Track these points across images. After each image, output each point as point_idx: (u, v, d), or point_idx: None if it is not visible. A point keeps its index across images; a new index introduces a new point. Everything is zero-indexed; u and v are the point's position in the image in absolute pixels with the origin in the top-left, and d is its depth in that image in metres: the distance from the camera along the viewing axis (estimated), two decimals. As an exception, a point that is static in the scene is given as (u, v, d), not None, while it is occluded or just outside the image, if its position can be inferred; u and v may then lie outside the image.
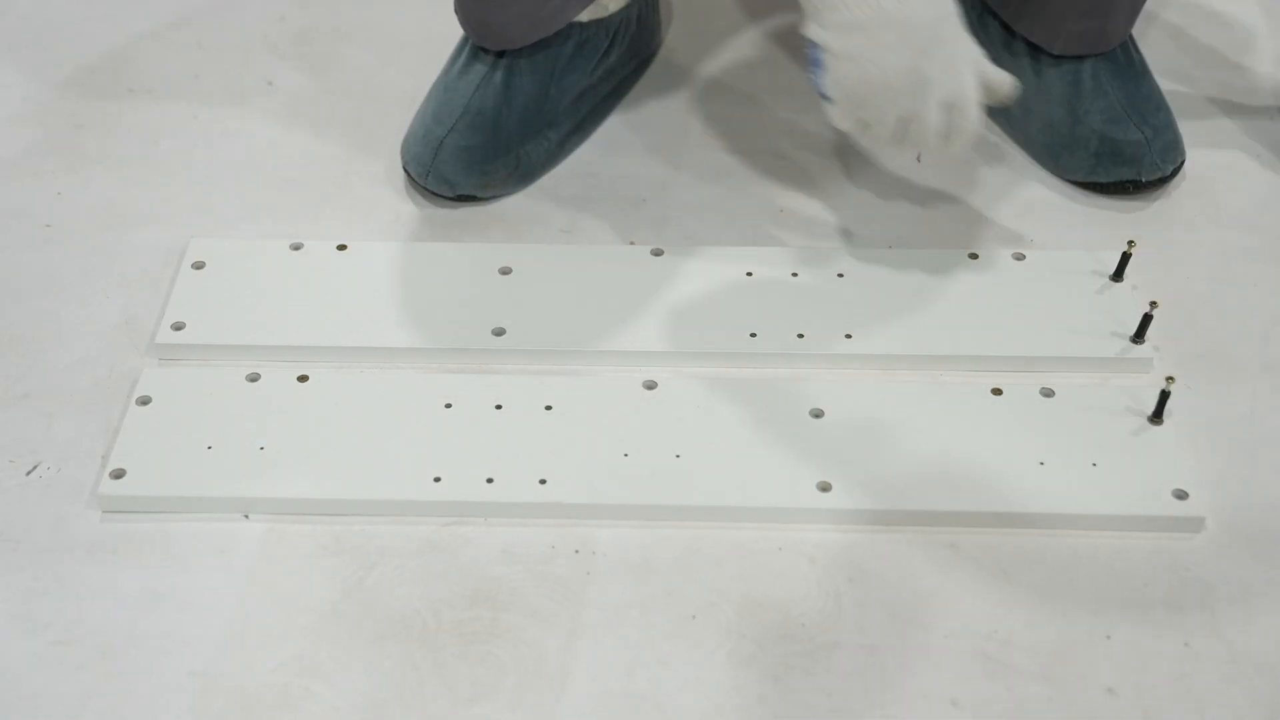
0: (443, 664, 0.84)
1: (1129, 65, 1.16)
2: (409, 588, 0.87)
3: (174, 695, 0.82)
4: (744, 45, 1.34)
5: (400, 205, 1.15)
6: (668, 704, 0.82)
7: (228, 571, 0.88)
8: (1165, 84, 1.21)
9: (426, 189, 1.14)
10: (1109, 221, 1.14)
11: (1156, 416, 0.96)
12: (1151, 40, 1.35)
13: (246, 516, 0.91)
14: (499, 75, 1.15)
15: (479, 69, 1.15)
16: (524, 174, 1.16)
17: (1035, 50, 1.17)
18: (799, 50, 1.33)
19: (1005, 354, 1.01)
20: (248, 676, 0.83)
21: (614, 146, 1.22)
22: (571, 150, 1.20)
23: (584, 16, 1.17)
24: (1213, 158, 1.21)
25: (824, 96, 0.98)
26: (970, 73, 0.96)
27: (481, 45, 1.15)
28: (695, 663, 0.84)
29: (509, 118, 1.14)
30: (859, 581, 0.88)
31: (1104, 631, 0.86)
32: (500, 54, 1.15)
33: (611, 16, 1.20)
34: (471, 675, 0.83)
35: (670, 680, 0.83)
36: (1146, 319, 1.01)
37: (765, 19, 1.37)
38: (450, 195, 1.14)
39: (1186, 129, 1.17)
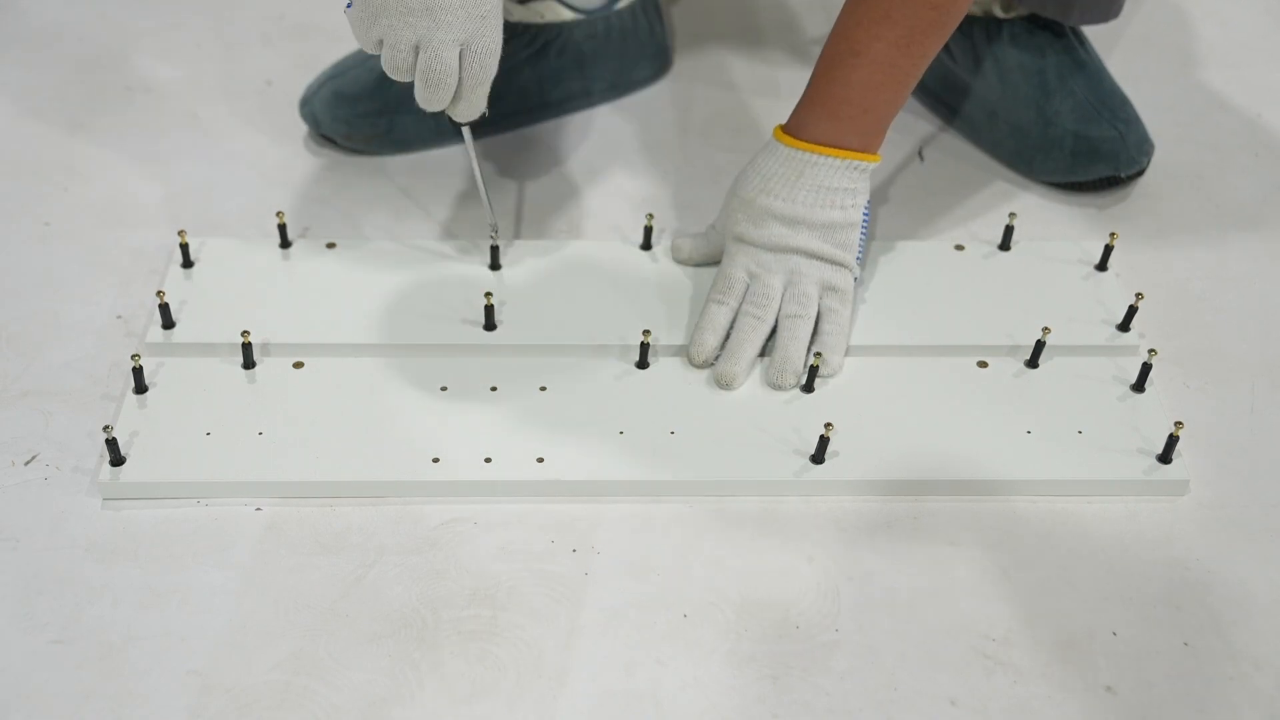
0: (441, 663, 0.84)
1: (1088, 63, 1.16)
2: (408, 586, 0.87)
3: (173, 694, 0.82)
4: (743, 47, 1.34)
5: (400, 203, 1.15)
6: (666, 703, 0.82)
7: (226, 570, 0.88)
8: (1164, 80, 1.21)
9: (304, 123, 1.20)
10: (1102, 218, 1.14)
11: (1138, 387, 0.98)
12: (1151, 37, 1.35)
13: (259, 509, 0.91)
14: None
15: None
16: (397, 141, 1.18)
17: (1000, 41, 1.17)
18: (797, 49, 1.33)
19: (992, 343, 1.02)
20: (247, 675, 0.83)
21: (614, 146, 1.22)
22: (460, 141, 1.19)
23: (514, 15, 1.17)
24: (1211, 156, 1.21)
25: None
26: (494, 25, 0.92)
27: None
28: (694, 662, 0.84)
29: (395, 82, 1.13)
30: (858, 580, 0.88)
31: (1103, 630, 0.86)
32: None
33: (547, 25, 1.19)
34: (470, 674, 0.83)
35: (669, 680, 0.83)
36: (1132, 310, 1.02)
37: (763, 20, 1.37)
38: (317, 133, 1.19)
39: (1185, 125, 1.17)
